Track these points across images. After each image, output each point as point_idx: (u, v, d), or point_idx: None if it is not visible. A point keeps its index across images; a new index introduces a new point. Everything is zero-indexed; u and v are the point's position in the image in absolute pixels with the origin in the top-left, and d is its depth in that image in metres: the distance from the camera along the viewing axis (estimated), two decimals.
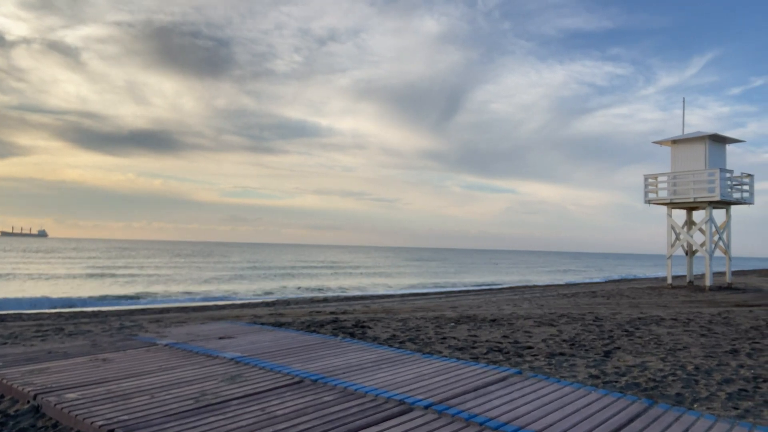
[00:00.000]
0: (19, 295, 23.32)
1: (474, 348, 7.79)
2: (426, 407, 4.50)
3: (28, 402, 4.76)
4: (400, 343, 8.09)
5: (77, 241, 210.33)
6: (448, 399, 4.75)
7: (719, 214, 23.34)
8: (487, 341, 8.37)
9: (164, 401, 4.59)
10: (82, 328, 9.78)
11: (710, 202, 22.09)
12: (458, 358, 6.88)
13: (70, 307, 19.44)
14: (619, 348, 7.95)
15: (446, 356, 7.03)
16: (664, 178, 23.23)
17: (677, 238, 23.69)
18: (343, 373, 5.69)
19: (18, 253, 73.74)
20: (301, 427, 4.00)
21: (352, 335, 8.68)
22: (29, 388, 4.93)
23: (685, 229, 23.90)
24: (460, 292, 27.39)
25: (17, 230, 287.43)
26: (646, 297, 18.29)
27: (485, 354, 7.35)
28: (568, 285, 33.22)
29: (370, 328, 9.60)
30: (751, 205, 23.32)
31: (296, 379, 5.41)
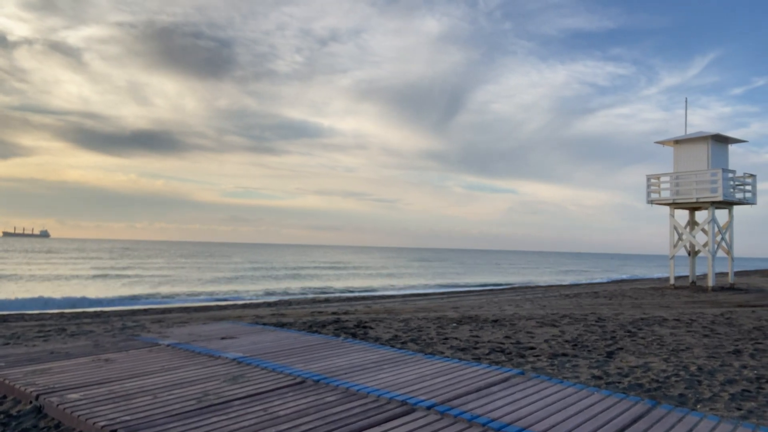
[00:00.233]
0: (22, 295, 23.36)
1: (476, 348, 7.78)
2: (428, 408, 4.49)
3: (31, 402, 4.76)
4: (402, 343, 8.08)
5: (79, 242, 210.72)
6: (450, 400, 4.74)
7: (722, 215, 23.32)
8: (489, 342, 8.36)
9: (167, 401, 4.59)
10: (85, 328, 9.79)
11: (713, 203, 22.04)
12: (460, 359, 6.87)
13: (73, 307, 19.46)
14: (621, 349, 7.94)
15: (448, 357, 7.02)
16: (667, 179, 23.20)
17: (680, 239, 23.65)
18: (345, 373, 5.69)
19: (20, 253, 73.87)
20: (304, 427, 3.99)
21: (354, 336, 8.68)
22: (32, 389, 4.93)
23: (688, 229, 23.85)
24: (461, 292, 27.37)
25: (19, 230, 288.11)
26: (649, 297, 18.26)
27: (487, 355, 7.34)
28: (570, 285, 33.18)
29: (371, 328, 9.60)
30: (753, 206, 23.28)
31: (298, 380, 5.41)
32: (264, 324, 9.87)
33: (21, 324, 11.41)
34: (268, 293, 27.57)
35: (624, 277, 50.23)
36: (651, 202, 23.66)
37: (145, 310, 16.83)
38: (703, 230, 23.04)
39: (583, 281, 42.42)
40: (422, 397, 4.77)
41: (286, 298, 24.50)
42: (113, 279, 34.62)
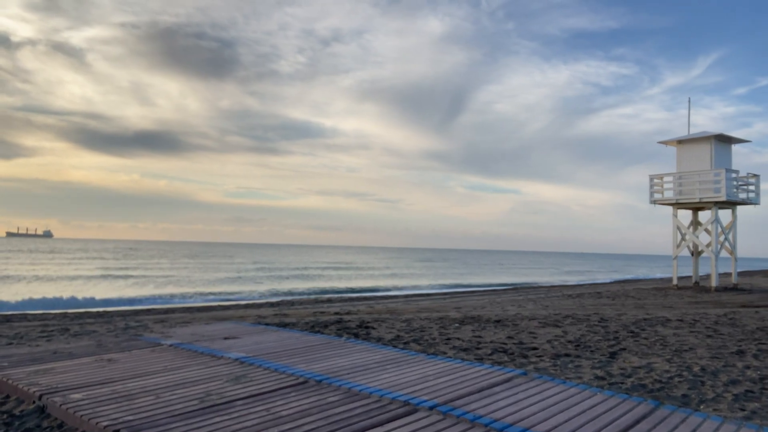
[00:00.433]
0: (25, 295, 23.42)
1: (478, 349, 7.77)
2: (431, 408, 4.48)
3: (34, 402, 4.77)
4: (405, 343, 8.07)
5: (82, 242, 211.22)
6: (452, 400, 4.74)
7: (725, 215, 23.30)
8: (491, 342, 8.35)
9: (169, 401, 4.59)
10: (88, 328, 9.81)
11: (716, 203, 21.99)
12: (463, 359, 6.86)
13: (76, 307, 19.50)
14: (624, 349, 7.92)
15: (451, 357, 7.01)
16: (670, 179, 23.15)
17: (683, 239, 23.60)
18: (348, 373, 5.68)
19: (24, 253, 74.07)
20: (306, 427, 3.99)
21: (356, 336, 8.68)
22: (34, 389, 4.94)
23: (691, 229, 23.80)
24: (464, 292, 27.35)
25: (23, 231, 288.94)
26: (652, 298, 18.22)
27: (490, 355, 7.33)
28: (572, 286, 33.15)
29: (374, 328, 9.60)
30: (757, 206, 23.21)
31: (301, 380, 5.41)
32: (266, 324, 9.88)
33: (24, 324, 11.44)
34: (271, 293, 27.59)
35: (627, 277, 50.15)
36: (654, 202, 23.62)
37: (148, 310, 16.86)
38: (707, 230, 22.99)
39: (586, 281, 42.36)
40: (425, 398, 4.77)
41: (289, 298, 24.52)
42: (116, 279, 34.69)
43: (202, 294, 26.15)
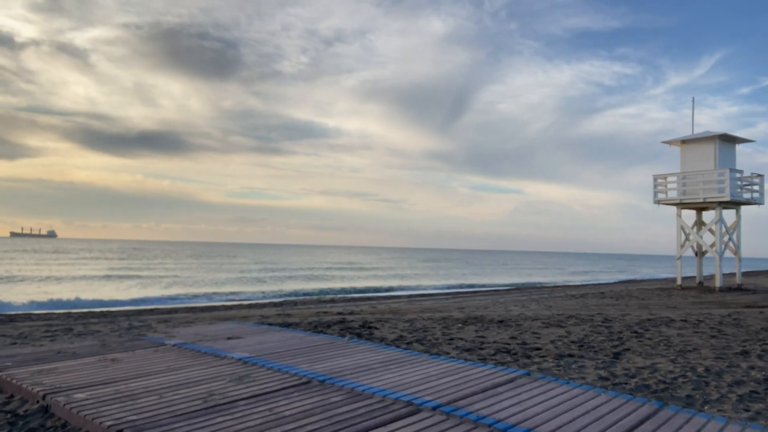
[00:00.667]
0: (29, 295, 23.49)
1: (482, 349, 7.76)
2: (434, 408, 4.48)
3: (38, 402, 4.78)
4: (408, 343, 8.07)
5: (86, 242, 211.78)
6: (456, 400, 4.73)
7: (729, 215, 23.17)
8: (494, 342, 8.34)
9: (172, 401, 4.60)
10: (91, 328, 9.83)
11: (720, 203, 21.92)
12: (466, 359, 6.85)
13: (79, 307, 19.55)
14: (628, 349, 7.90)
15: (454, 357, 7.00)
16: (674, 178, 23.08)
17: (687, 239, 23.53)
18: (351, 373, 5.68)
19: (28, 253, 74.30)
20: (309, 427, 3.99)
21: (359, 336, 8.67)
22: (38, 388, 4.95)
23: (695, 229, 23.73)
24: (467, 292, 27.32)
25: (26, 231, 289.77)
26: (656, 298, 18.17)
27: (493, 355, 7.32)
28: (576, 286, 33.08)
29: (377, 328, 9.59)
30: (761, 206, 23.12)
31: (304, 380, 5.41)
32: (269, 324, 9.89)
33: (28, 324, 11.47)
34: (274, 293, 27.61)
35: (630, 277, 50.03)
36: (658, 202, 23.55)
37: (152, 310, 16.89)
38: (711, 230, 22.92)
39: (589, 282, 42.27)
40: (428, 398, 4.76)
41: (292, 298, 24.54)
42: (121, 280, 34.77)
43: (205, 294, 26.18)
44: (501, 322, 10.77)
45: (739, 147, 23.39)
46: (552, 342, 8.42)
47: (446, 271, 57.79)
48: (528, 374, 5.83)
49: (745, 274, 40.51)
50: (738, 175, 21.99)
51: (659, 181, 23.44)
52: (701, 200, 22.07)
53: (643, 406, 4.70)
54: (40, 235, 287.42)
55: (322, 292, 29.01)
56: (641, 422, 4.29)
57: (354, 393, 4.97)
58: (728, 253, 23.09)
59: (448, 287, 34.29)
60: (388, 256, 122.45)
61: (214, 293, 26.76)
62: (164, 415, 4.22)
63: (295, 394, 4.92)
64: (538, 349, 7.83)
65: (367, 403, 4.65)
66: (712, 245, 22.46)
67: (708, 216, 24.26)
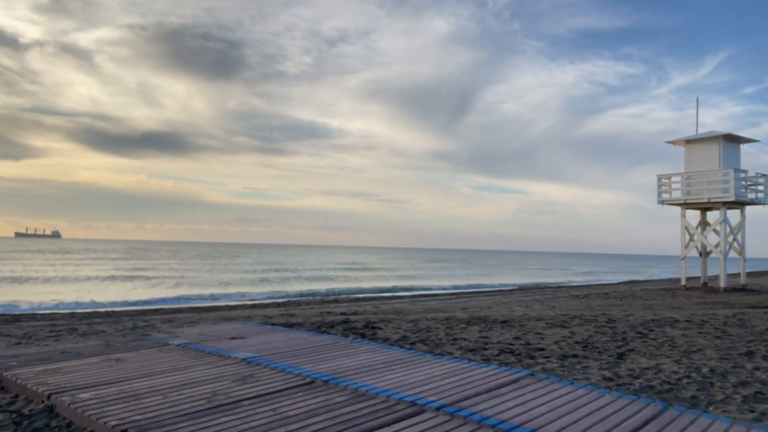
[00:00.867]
0: (33, 295, 23.57)
1: (485, 349, 7.75)
2: (438, 409, 4.47)
3: (42, 402, 4.80)
4: (411, 344, 8.06)
5: (90, 242, 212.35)
6: (459, 401, 4.73)
7: (734, 215, 23.09)
8: (498, 343, 8.33)
9: (176, 401, 4.61)
10: (96, 328, 9.86)
11: (724, 203, 21.84)
12: (469, 360, 6.85)
13: (84, 307, 19.61)
14: (632, 350, 7.88)
15: (457, 357, 7.00)
16: (678, 179, 23.01)
17: (691, 239, 23.45)
18: (354, 373, 5.68)
19: (32, 253, 74.55)
20: (313, 427, 3.99)
21: (362, 336, 8.67)
22: (43, 388, 4.97)
23: (699, 229, 23.65)
24: (470, 293, 27.30)
25: (31, 231, 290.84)
26: (660, 298, 18.12)
27: (497, 356, 7.31)
28: (579, 286, 33.01)
29: (380, 329, 9.59)
30: (766, 206, 23.02)
31: (307, 380, 5.41)
32: (273, 324, 9.90)
33: (33, 324, 11.51)
34: (277, 293, 27.63)
35: (635, 278, 49.90)
36: (662, 202, 23.48)
37: (156, 310, 16.93)
38: (715, 231, 22.84)
39: (593, 282, 42.18)
40: (431, 398, 4.76)
41: (295, 298, 24.55)
42: (126, 280, 34.86)
43: (209, 294, 26.22)
44: (504, 322, 10.76)
45: (743, 147, 23.30)
46: (556, 342, 8.41)
47: (449, 271, 57.74)
48: (532, 375, 5.82)
49: (749, 275, 40.36)
50: (742, 175, 21.90)
51: (663, 181, 23.37)
52: (706, 200, 21.99)
53: (648, 407, 4.69)
54: (44, 236, 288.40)
55: (325, 292, 29.02)
56: (646, 423, 4.28)
57: (358, 393, 4.97)
58: (733, 254, 23.00)
59: (452, 287, 34.25)
60: (391, 256, 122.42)
61: (218, 293, 26.79)
62: (168, 415, 4.23)
63: (299, 394, 4.92)
64: (541, 349, 7.81)
65: (371, 403, 4.65)
66: (717, 246, 22.38)
67: (712, 216, 24.17)
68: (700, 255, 24.38)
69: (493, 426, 4.06)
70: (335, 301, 21.10)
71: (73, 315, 15.08)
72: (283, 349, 7.02)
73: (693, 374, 6.36)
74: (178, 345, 7.25)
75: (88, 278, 34.78)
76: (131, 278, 35.69)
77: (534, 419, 4.27)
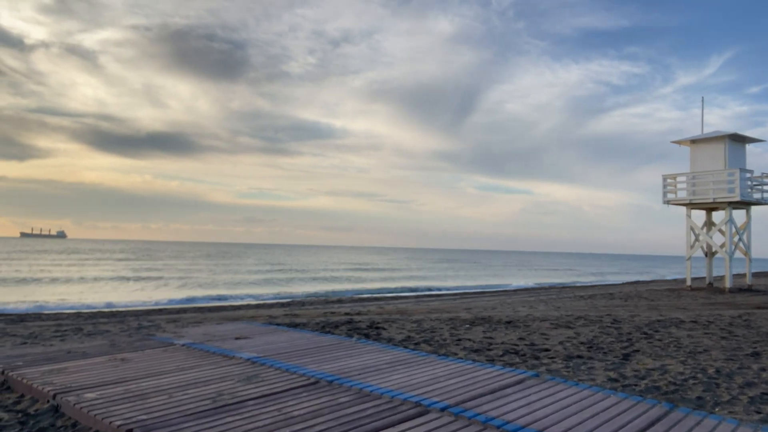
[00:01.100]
0: (38, 295, 23.67)
1: (490, 350, 7.73)
2: (442, 409, 4.47)
3: (48, 401, 4.82)
4: (415, 344, 8.06)
5: (95, 242, 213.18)
6: (464, 401, 4.72)
7: (739, 215, 22.98)
8: (503, 343, 8.31)
9: (182, 401, 4.61)
10: (101, 328, 9.89)
11: (730, 203, 21.75)
12: (474, 360, 6.84)
13: (89, 307, 19.68)
14: (638, 351, 7.85)
15: (462, 358, 6.99)
16: (683, 178, 22.93)
17: (696, 239, 23.35)
18: (359, 374, 5.68)
19: (38, 254, 74.88)
20: (318, 428, 3.99)
21: (366, 336, 8.67)
22: (49, 388, 4.98)
23: (705, 230, 23.55)
24: (474, 293, 27.26)
25: (36, 231, 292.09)
26: (665, 299, 18.05)
27: (501, 356, 7.30)
28: (584, 286, 32.92)
29: (384, 329, 9.59)
30: None
31: (312, 380, 5.41)
32: (277, 324, 9.91)
33: (38, 324, 11.56)
34: (282, 294, 27.67)
35: (640, 278, 49.72)
36: (667, 202, 23.40)
37: (160, 310, 16.97)
38: (721, 231, 22.74)
39: (598, 282, 42.06)
40: (436, 399, 4.76)
41: (299, 298, 24.58)
42: (131, 281, 34.97)
43: (213, 294, 26.27)
44: (509, 322, 10.74)
45: (749, 147, 23.20)
46: (561, 343, 8.39)
47: (453, 272, 57.69)
48: (537, 376, 5.81)
49: (755, 275, 40.16)
50: (748, 175, 21.81)
51: (669, 181, 23.29)
52: (711, 200, 21.91)
53: (654, 408, 4.67)
54: (49, 236, 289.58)
55: (329, 292, 29.04)
56: (651, 424, 4.26)
57: (362, 393, 4.97)
58: (738, 254, 22.90)
59: (456, 288, 34.22)
60: (396, 256, 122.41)
61: (222, 293, 26.85)
62: (174, 415, 4.24)
63: (304, 394, 4.93)
64: (546, 350, 7.79)
65: (376, 403, 4.65)
66: (722, 246, 22.29)
67: (718, 216, 24.07)
68: (706, 255, 24.28)
69: (498, 427, 4.06)
70: (339, 301, 21.10)
71: (78, 315, 15.14)
72: (287, 350, 7.03)
73: (699, 375, 6.33)
74: (183, 345, 7.27)
75: (93, 278, 34.90)
76: (136, 279, 35.80)
77: (539, 420, 4.26)
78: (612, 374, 6.31)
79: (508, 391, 5.14)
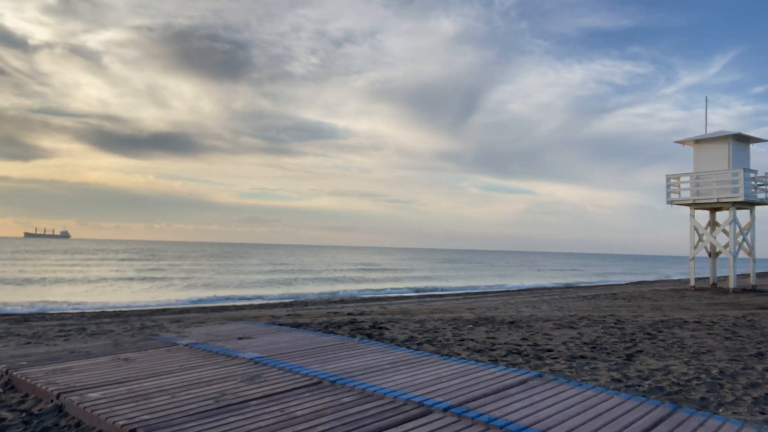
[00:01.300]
0: (43, 295, 23.74)
1: (493, 350, 7.73)
2: (445, 410, 4.46)
3: (52, 401, 4.83)
4: (418, 344, 8.06)
5: (99, 242, 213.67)
6: (467, 402, 4.72)
7: (743, 215, 22.91)
8: (506, 343, 8.30)
9: (185, 401, 4.62)
10: (104, 327, 9.91)
11: (734, 203, 21.68)
12: (477, 361, 6.83)
13: (92, 307, 19.72)
14: (641, 351, 7.83)
15: (465, 358, 6.98)
16: (687, 179, 22.87)
17: (700, 240, 23.29)
18: (362, 374, 5.68)
19: (42, 254, 75.09)
20: (321, 428, 4.00)
21: (369, 336, 8.67)
22: (52, 388, 5.00)
23: (709, 230, 23.48)
24: (477, 293, 27.24)
25: (40, 231, 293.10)
26: (669, 299, 18.01)
27: (504, 356, 7.29)
28: (587, 287, 32.86)
29: (387, 329, 9.58)
30: None
31: (315, 380, 5.41)
32: (280, 324, 9.91)
33: (42, 323, 11.60)
34: (284, 294, 27.69)
35: (643, 278, 49.61)
36: (671, 202, 23.34)
37: (164, 310, 17.01)
38: (724, 231, 22.67)
39: (601, 282, 41.97)
40: (439, 399, 4.75)
41: (302, 298, 24.59)
42: (134, 281, 35.04)
43: (216, 294, 26.31)
44: (512, 323, 10.73)
45: (753, 147, 23.13)
46: (564, 343, 8.37)
47: (455, 272, 57.65)
48: (540, 376, 5.80)
49: (759, 275, 40.03)
50: (752, 175, 21.74)
51: (672, 181, 23.23)
52: (715, 200, 21.84)
53: (657, 409, 4.66)
54: (53, 236, 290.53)
55: (331, 292, 29.05)
56: (655, 425, 4.25)
57: (365, 393, 4.97)
58: (742, 254, 22.82)
59: (459, 288, 34.19)
60: (398, 256, 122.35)
61: (225, 293, 26.88)
62: (177, 415, 4.24)
63: (307, 394, 4.93)
64: (549, 350, 7.78)
65: (379, 403, 4.65)
66: (726, 246, 22.22)
67: (722, 216, 23.99)
68: (710, 255, 24.21)
69: (501, 427, 4.05)
70: (342, 301, 21.11)
71: (82, 315, 15.18)
72: (290, 350, 7.03)
73: (702, 376, 6.32)
74: (186, 345, 7.28)
75: (96, 278, 34.99)
76: (139, 280, 35.87)
77: (542, 420, 4.25)
78: (615, 375, 6.30)
79: (511, 391, 5.13)
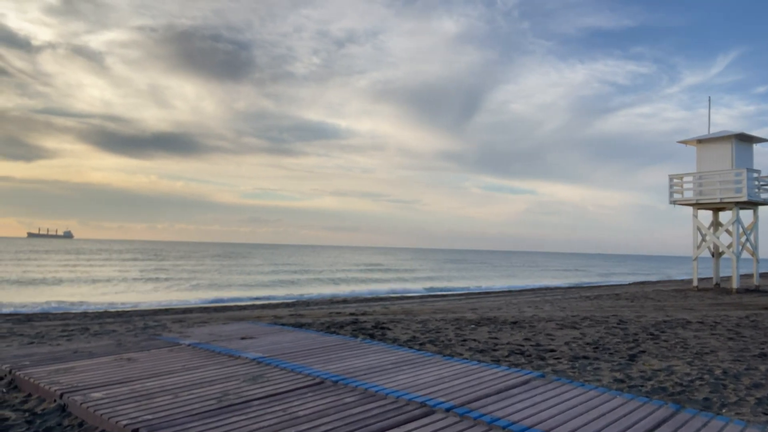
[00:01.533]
0: (46, 295, 23.79)
1: (495, 350, 7.72)
2: (447, 410, 4.46)
3: (55, 401, 4.84)
4: (420, 344, 8.05)
5: (102, 243, 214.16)
6: (469, 402, 4.71)
7: (746, 215, 22.86)
8: (508, 344, 8.30)
9: (187, 401, 4.63)
10: (107, 327, 9.93)
11: (737, 203, 21.63)
12: (479, 361, 6.83)
13: (95, 307, 19.76)
14: (644, 351, 7.82)
15: (467, 358, 6.98)
16: (690, 179, 22.82)
17: (703, 240, 23.24)
18: (364, 374, 5.68)
19: (45, 254, 75.28)
20: (323, 428, 4.00)
21: (372, 336, 8.67)
22: (55, 388, 5.01)
23: (711, 230, 23.43)
24: (479, 293, 27.22)
25: (43, 231, 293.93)
26: (672, 299, 17.97)
27: (507, 357, 7.28)
28: (590, 287, 32.81)
29: (389, 329, 9.58)
30: None
31: (317, 380, 5.42)
32: (283, 324, 9.92)
33: (45, 323, 11.62)
34: (287, 294, 27.71)
35: (646, 278, 49.52)
36: (674, 202, 23.30)
37: (166, 310, 17.04)
38: (727, 231, 22.62)
39: (604, 282, 41.91)
40: (441, 399, 4.75)
41: (304, 298, 24.61)
42: (137, 281, 35.10)
43: (219, 294, 26.34)
44: (514, 323, 10.72)
45: (756, 146, 23.07)
46: (566, 344, 8.36)
47: (458, 272, 57.62)
48: (542, 376, 5.79)
49: (762, 276, 39.92)
50: (755, 175, 21.68)
51: (675, 181, 23.19)
52: (718, 201, 21.79)
53: (660, 409, 4.65)
54: (56, 236, 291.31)
55: (334, 293, 29.06)
56: (658, 425, 4.24)
57: (367, 394, 4.97)
58: (745, 254, 22.77)
59: (461, 288, 34.17)
60: (401, 257, 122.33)
61: (228, 293, 26.91)
62: (179, 415, 4.25)
63: (309, 394, 4.93)
64: (552, 350, 7.77)
65: (381, 404, 4.65)
66: (729, 246, 22.17)
67: (725, 216, 23.93)
68: (713, 256, 24.16)
69: (504, 427, 4.05)
70: (344, 301, 21.12)
71: (85, 315, 15.21)
72: (292, 350, 7.04)
73: (706, 376, 6.30)
74: (188, 345, 7.29)
75: (100, 279, 35.06)
76: (146, 280, 35.93)
77: (544, 421, 4.25)
78: (618, 375, 6.29)
79: (514, 391, 5.13)
